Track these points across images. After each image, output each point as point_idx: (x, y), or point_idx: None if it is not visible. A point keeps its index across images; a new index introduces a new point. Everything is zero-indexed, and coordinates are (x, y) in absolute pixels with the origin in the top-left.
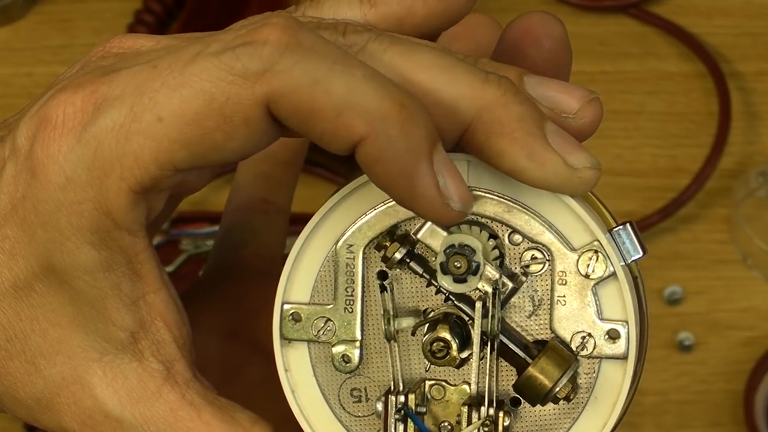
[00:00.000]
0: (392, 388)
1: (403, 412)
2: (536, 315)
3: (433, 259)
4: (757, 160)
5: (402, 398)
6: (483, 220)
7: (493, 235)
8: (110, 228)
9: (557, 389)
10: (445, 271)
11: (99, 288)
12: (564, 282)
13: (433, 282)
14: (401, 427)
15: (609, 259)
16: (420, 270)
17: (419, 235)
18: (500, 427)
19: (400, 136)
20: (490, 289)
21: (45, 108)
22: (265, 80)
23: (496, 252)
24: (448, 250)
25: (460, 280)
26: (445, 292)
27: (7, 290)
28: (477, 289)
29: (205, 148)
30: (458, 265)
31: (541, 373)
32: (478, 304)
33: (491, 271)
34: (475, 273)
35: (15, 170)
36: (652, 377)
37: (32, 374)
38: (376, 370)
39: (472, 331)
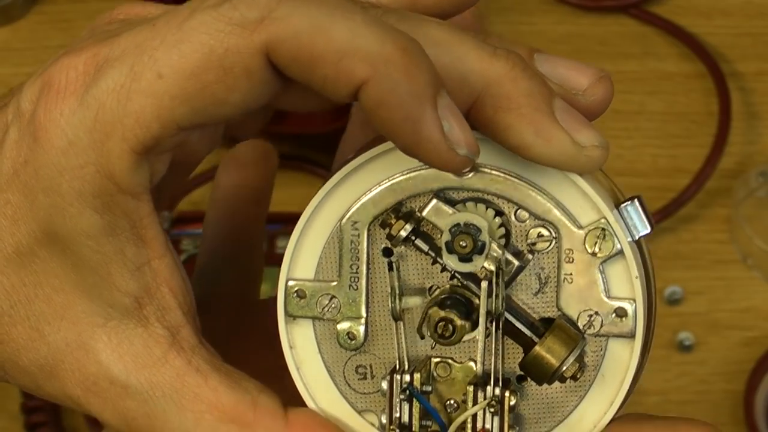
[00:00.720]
0: (397, 367)
1: (408, 392)
2: (543, 293)
3: (439, 236)
4: (757, 160)
5: (407, 378)
6: (489, 197)
7: (499, 213)
8: (113, 192)
9: (564, 368)
10: (451, 250)
11: (102, 253)
12: (571, 260)
13: (439, 260)
14: (407, 406)
15: (616, 236)
16: (425, 248)
17: (424, 213)
18: (506, 407)
19: (403, 80)
20: (495, 269)
21: (48, 72)
22: (263, 28)
23: (502, 230)
24: (453, 229)
25: (465, 259)
26: (450, 270)
27: (10, 256)
28: (483, 267)
29: (206, 102)
30: (464, 245)
31: (548, 352)
32: (484, 284)
33: (497, 250)
34: (480, 252)
35: (18, 135)
36: (652, 377)
37: (36, 340)
38: (381, 348)
39: (478, 310)
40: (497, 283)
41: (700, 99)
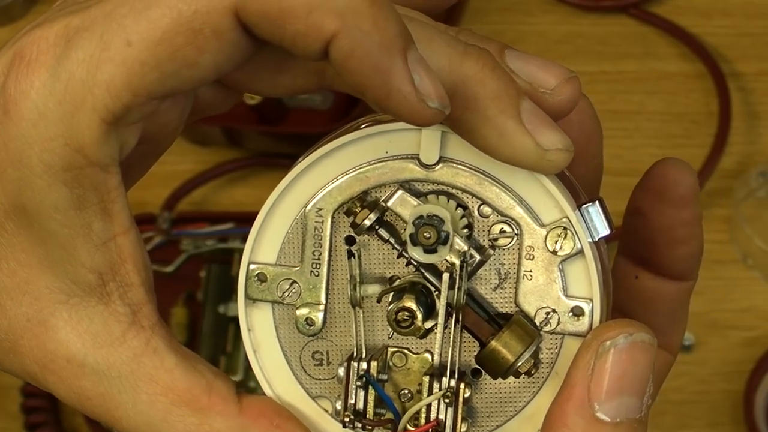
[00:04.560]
0: (355, 354)
1: (364, 379)
2: (502, 288)
3: (403, 229)
4: (757, 160)
5: (364, 365)
6: (454, 191)
7: (463, 206)
8: (82, 165)
9: (519, 364)
10: (415, 242)
11: (70, 227)
12: (531, 257)
13: (400, 250)
14: (362, 393)
15: (577, 236)
16: (387, 237)
17: (389, 203)
18: (461, 399)
19: (372, 30)
20: (457, 261)
21: (20, 44)
22: None
23: (465, 223)
24: (417, 221)
25: (429, 250)
26: (413, 262)
27: None
28: (445, 260)
29: (177, 65)
30: (428, 236)
31: (504, 347)
32: (446, 276)
33: (460, 243)
34: (444, 243)
35: None
36: None
37: None
38: (338, 335)
39: (437, 302)
40: (460, 276)
41: (700, 99)
